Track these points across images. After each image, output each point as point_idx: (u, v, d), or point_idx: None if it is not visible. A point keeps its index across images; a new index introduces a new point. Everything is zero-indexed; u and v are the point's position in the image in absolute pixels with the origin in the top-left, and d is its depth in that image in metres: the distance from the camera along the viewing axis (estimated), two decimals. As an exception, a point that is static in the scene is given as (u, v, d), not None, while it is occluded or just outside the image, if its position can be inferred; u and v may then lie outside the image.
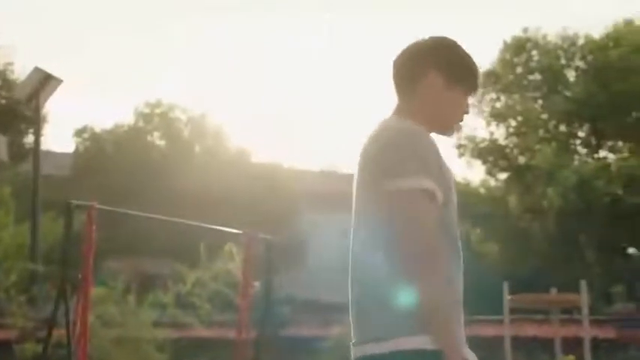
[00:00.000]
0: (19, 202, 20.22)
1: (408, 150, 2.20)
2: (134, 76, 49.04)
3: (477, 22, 45.58)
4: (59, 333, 6.87)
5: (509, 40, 26.60)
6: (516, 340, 12.22)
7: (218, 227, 8.03)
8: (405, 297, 2.15)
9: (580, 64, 26.56)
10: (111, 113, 54.15)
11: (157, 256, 20.78)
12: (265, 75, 47.32)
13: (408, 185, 2.16)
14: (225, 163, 26.80)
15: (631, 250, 24.43)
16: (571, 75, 26.80)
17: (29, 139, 25.87)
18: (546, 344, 12.49)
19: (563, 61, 26.68)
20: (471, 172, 38.40)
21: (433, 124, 2.41)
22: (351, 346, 2.29)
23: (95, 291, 12.29)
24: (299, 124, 51.16)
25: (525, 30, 26.68)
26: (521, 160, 25.86)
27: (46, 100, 17.33)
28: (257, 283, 7.59)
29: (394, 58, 2.47)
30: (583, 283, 11.31)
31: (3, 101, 26.87)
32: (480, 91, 26.66)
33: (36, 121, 17.82)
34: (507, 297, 11.36)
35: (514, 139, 26.71)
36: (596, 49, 25.71)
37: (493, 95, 26.96)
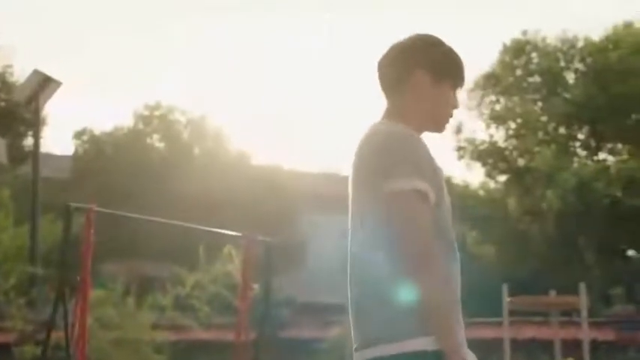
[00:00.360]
0: (18, 205, 20.21)
1: (400, 153, 2.21)
2: (133, 77, 49.04)
3: (476, 25, 45.61)
4: (58, 335, 6.87)
5: (508, 42, 26.63)
6: (516, 343, 12.23)
7: (217, 230, 8.03)
8: (404, 298, 2.16)
9: (579, 66, 26.57)
10: (110, 115, 53.99)
11: (157, 258, 20.77)
12: (265, 76, 47.32)
13: (402, 187, 2.17)
14: (225, 165, 26.79)
15: (630, 252, 24.45)
16: (570, 77, 26.81)
17: (29, 141, 25.88)
18: (545, 346, 12.51)
19: (562, 64, 26.69)
20: (470, 175, 38.51)
21: (424, 122, 2.43)
22: (353, 352, 2.29)
23: (94, 293, 12.32)
24: (299, 126, 51.11)
25: (525, 32, 26.71)
26: (521, 162, 25.86)
27: (45, 102, 17.34)
28: (256, 285, 7.58)
29: (378, 60, 2.48)
30: (582, 286, 11.31)
31: (2, 104, 26.88)
32: (480, 93, 26.71)
33: (35, 124, 17.83)
34: (507, 299, 11.38)
35: (513, 142, 26.72)
36: (596, 51, 25.72)
37: (492, 97, 26.97)
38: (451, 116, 2.49)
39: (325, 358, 13.54)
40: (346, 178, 2.39)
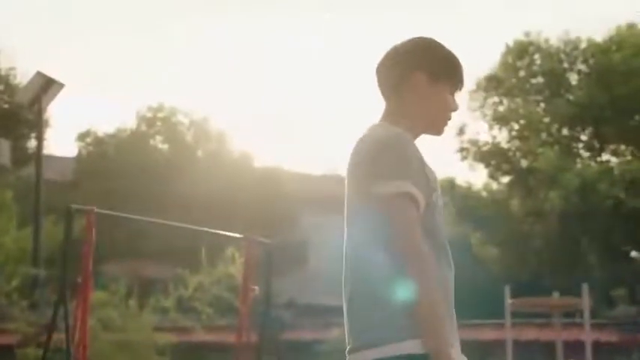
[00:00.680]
0: (21, 207, 20.25)
1: (391, 156, 2.23)
2: (135, 78, 49.19)
3: (479, 26, 45.61)
4: (60, 337, 6.87)
5: (511, 43, 26.57)
6: (518, 344, 12.22)
7: (217, 231, 8.03)
8: (393, 299, 2.18)
9: (582, 67, 26.51)
10: (113, 116, 54.16)
11: (159, 259, 20.79)
12: (266, 76, 47.41)
13: (390, 190, 2.20)
14: (228, 167, 26.82)
15: (634, 254, 24.40)
16: (573, 78, 26.75)
17: (32, 143, 25.89)
18: (548, 348, 12.49)
19: (565, 65, 26.63)
20: (473, 176, 38.45)
21: (422, 124, 2.45)
22: (346, 354, 2.31)
23: (97, 295, 12.35)
24: (300, 127, 51.12)
25: (527, 34, 26.64)
26: (524, 163, 25.81)
27: (48, 104, 17.40)
28: (257, 287, 7.58)
29: (376, 65, 2.50)
30: (584, 287, 11.32)
31: (5, 106, 26.91)
32: (483, 94, 26.66)
33: (38, 126, 17.87)
34: (509, 301, 11.39)
35: (516, 143, 26.66)
36: (599, 52, 25.66)
37: (495, 99, 26.92)
38: (449, 119, 2.50)
39: (326, 360, 13.55)
40: (348, 179, 2.40)
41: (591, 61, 25.97)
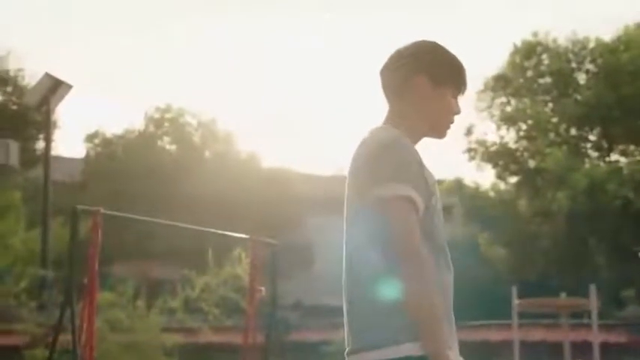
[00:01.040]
0: (30, 208, 20.31)
1: (390, 160, 2.25)
2: (142, 78, 49.25)
3: (487, 26, 45.52)
4: (67, 338, 6.88)
5: (519, 43, 26.52)
6: (525, 345, 12.20)
7: (223, 232, 8.04)
8: (391, 301, 2.18)
9: (590, 67, 26.45)
10: (121, 116, 54.31)
11: (166, 260, 20.82)
12: (272, 77, 47.44)
13: (389, 193, 2.21)
14: (236, 168, 26.84)
15: (643, 254, 24.30)
16: (581, 78, 26.69)
17: (40, 144, 25.95)
18: (555, 349, 12.46)
19: (573, 65, 26.57)
20: (481, 176, 38.36)
21: (424, 127, 2.46)
22: (345, 356, 2.33)
23: (104, 296, 12.38)
24: (307, 127, 51.07)
25: (535, 33, 26.58)
26: (532, 163, 25.75)
27: (56, 105, 17.46)
28: (263, 288, 7.58)
29: (379, 68, 2.52)
30: (592, 287, 11.30)
31: (14, 107, 26.99)
32: (490, 94, 26.60)
33: (46, 127, 17.90)
34: (516, 301, 11.37)
35: (524, 143, 26.60)
36: (607, 52, 25.59)
37: (503, 99, 26.86)
38: (452, 122, 2.51)
39: (331, 361, 13.54)
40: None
41: (599, 61, 25.90)
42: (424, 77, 2.42)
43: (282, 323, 12.40)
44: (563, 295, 11.84)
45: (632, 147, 26.00)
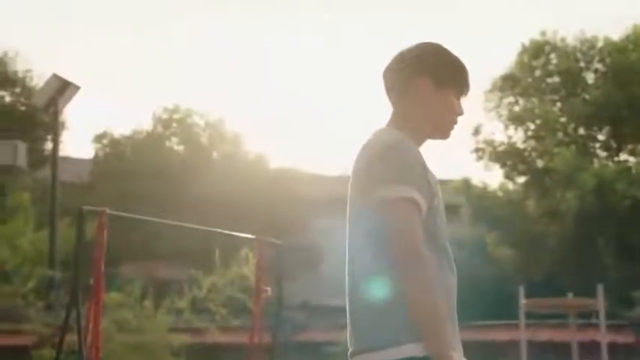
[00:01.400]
0: (38, 209, 20.38)
1: (393, 161, 2.26)
2: (150, 79, 49.34)
3: (494, 25, 45.46)
4: (74, 339, 6.89)
5: (527, 43, 26.47)
6: (532, 345, 12.18)
7: (229, 232, 8.04)
8: (392, 302, 2.19)
9: (599, 66, 26.37)
10: (129, 117, 54.48)
11: (174, 261, 20.86)
12: (274, 78, 47.48)
13: (392, 194, 2.22)
14: (243, 169, 26.86)
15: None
16: (590, 77, 26.62)
17: (48, 145, 26.03)
18: (563, 349, 12.43)
19: (581, 64, 26.51)
20: (489, 176, 38.28)
21: (427, 129, 2.48)
22: (348, 357, 2.33)
23: (112, 296, 12.42)
24: (308, 128, 51.00)
25: (543, 33, 26.53)
26: (540, 163, 25.69)
27: (64, 106, 17.49)
28: (269, 289, 7.58)
29: (383, 70, 2.54)
30: (600, 287, 11.28)
31: (23, 108, 27.07)
32: (498, 94, 26.56)
33: (54, 128, 17.93)
34: (523, 301, 11.35)
35: (532, 143, 26.55)
36: (615, 51, 25.52)
37: (511, 99, 26.82)
38: (455, 123, 2.53)
39: (337, 362, 13.53)
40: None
41: (608, 60, 25.83)
42: (427, 79, 2.44)
43: (288, 323, 12.39)
44: (570, 295, 11.81)
45: (641, 147, 25.93)
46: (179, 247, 21.05)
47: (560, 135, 25.88)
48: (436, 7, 46.78)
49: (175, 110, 29.33)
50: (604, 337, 11.30)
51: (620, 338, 14.63)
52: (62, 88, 16.62)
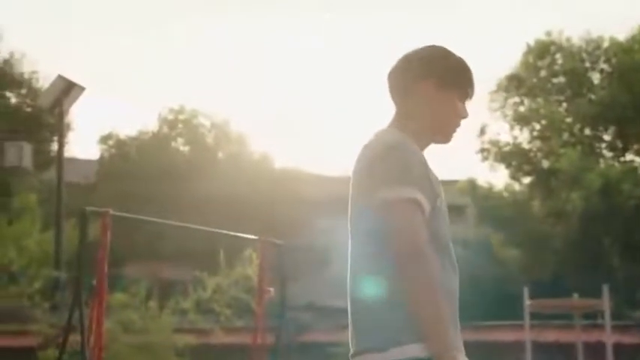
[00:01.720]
0: (44, 210, 20.43)
1: (395, 162, 2.25)
2: (156, 79, 49.41)
3: (499, 26, 45.40)
4: (78, 339, 6.91)
5: (532, 43, 26.43)
6: (537, 346, 12.14)
7: (232, 233, 8.06)
8: (398, 303, 2.17)
9: (605, 66, 26.31)
10: (135, 118, 54.52)
11: (178, 261, 20.88)
12: (275, 79, 47.49)
13: (397, 196, 2.21)
14: (249, 169, 26.88)
15: (658, 254, 24.13)
16: (595, 78, 26.56)
17: (54, 146, 26.08)
18: (568, 349, 12.40)
19: (587, 64, 26.45)
20: (494, 177, 38.23)
21: (431, 131, 2.47)
22: (350, 358, 2.32)
23: (117, 297, 12.43)
24: (309, 128, 50.99)
25: (549, 33, 26.48)
26: (545, 164, 25.64)
27: (69, 107, 17.50)
28: (272, 289, 7.59)
29: (388, 71, 2.54)
30: (605, 288, 11.24)
31: (28, 109, 27.13)
32: (503, 94, 26.52)
33: (59, 129, 17.95)
34: (527, 302, 11.33)
35: (538, 143, 26.49)
36: (621, 51, 25.46)
37: (516, 99, 26.78)
38: (458, 126, 2.52)
39: (342, 362, 13.49)
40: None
41: (613, 60, 25.77)
42: (431, 81, 2.44)
43: (292, 324, 12.38)
44: (576, 295, 11.78)
45: (647, 147, 25.85)
46: (184, 247, 21.07)
47: (565, 135, 25.83)
48: (438, 7, 46.74)
49: (181, 111, 29.37)
50: (609, 338, 11.27)
51: (626, 339, 14.57)
52: (67, 89, 16.62)
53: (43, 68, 30.02)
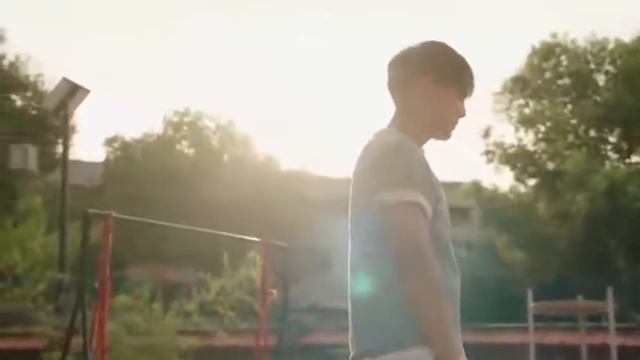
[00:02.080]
0: (49, 212, 20.44)
1: (396, 165, 2.23)
2: (161, 82, 49.50)
3: (504, 27, 45.34)
4: (81, 342, 6.91)
5: (537, 45, 26.40)
6: (541, 348, 12.12)
7: (235, 235, 8.05)
8: (400, 305, 2.14)
9: (610, 68, 26.28)
10: (141, 120, 54.68)
11: (182, 263, 20.89)
12: (275, 79, 47.53)
13: (399, 198, 2.19)
14: (253, 171, 26.89)
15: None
16: (601, 79, 26.53)
17: (59, 149, 26.11)
18: (572, 352, 12.37)
19: (592, 66, 26.42)
20: (499, 178, 38.19)
21: (429, 128, 2.45)
22: None
23: (121, 299, 12.45)
24: (309, 128, 50.97)
25: (554, 35, 26.47)
26: (551, 165, 25.61)
27: (74, 110, 17.51)
28: (275, 291, 7.58)
29: (387, 65, 2.51)
30: (609, 290, 11.21)
31: (34, 112, 27.18)
32: (508, 96, 26.49)
33: (64, 132, 17.97)
34: (531, 304, 11.30)
35: (543, 145, 26.47)
36: (626, 53, 25.42)
37: (521, 101, 26.76)
38: (457, 123, 2.49)
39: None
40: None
41: (619, 62, 25.73)
42: (429, 76, 2.41)
43: (295, 326, 12.36)
44: (580, 297, 11.75)
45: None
46: (188, 249, 21.09)
47: (570, 137, 25.80)
48: (439, 8, 46.73)
49: (186, 113, 29.40)
50: (614, 340, 11.24)
51: (630, 341, 14.52)
52: (72, 92, 16.63)
53: (47, 71, 30.10)
